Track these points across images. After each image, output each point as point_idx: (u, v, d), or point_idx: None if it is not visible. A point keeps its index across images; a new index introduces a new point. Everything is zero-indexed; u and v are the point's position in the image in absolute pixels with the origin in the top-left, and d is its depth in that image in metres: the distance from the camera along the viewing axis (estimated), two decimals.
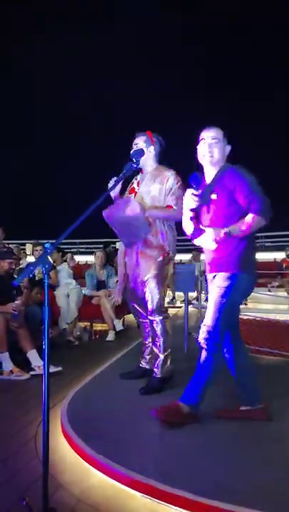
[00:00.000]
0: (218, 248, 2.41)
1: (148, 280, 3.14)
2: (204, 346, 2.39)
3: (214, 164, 2.51)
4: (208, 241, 2.39)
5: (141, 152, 2.87)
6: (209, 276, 2.57)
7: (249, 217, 2.32)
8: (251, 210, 2.32)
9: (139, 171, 3.28)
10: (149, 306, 3.15)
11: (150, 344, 3.36)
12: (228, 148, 2.55)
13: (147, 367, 3.38)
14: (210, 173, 2.55)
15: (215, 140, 2.49)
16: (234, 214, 2.40)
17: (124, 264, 3.46)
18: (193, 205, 2.50)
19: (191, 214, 2.55)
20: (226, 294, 2.40)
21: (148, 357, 3.40)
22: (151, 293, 3.14)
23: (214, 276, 2.50)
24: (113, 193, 3.14)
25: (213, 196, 2.44)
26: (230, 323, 2.47)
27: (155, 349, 3.16)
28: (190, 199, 2.50)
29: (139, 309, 3.41)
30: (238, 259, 2.41)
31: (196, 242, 2.50)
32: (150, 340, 3.36)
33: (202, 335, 2.41)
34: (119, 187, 3.10)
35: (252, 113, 16.46)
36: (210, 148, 2.49)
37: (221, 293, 2.40)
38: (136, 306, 3.43)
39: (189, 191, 2.49)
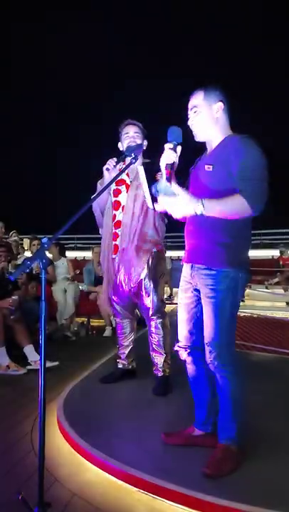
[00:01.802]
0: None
1: (145, 279, 3.03)
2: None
3: (206, 135, 2.09)
4: (178, 208, 1.89)
5: (141, 147, 2.82)
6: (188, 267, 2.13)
7: (235, 198, 1.85)
8: (241, 191, 1.86)
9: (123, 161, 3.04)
10: (150, 307, 3.06)
11: (129, 345, 3.27)
12: (217, 106, 2.02)
13: (129, 367, 3.29)
14: (209, 144, 2.12)
15: (194, 109, 2.05)
16: (228, 190, 1.91)
17: (108, 266, 3.17)
18: (169, 161, 1.96)
19: (165, 172, 1.96)
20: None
21: (127, 359, 3.28)
22: (149, 293, 3.03)
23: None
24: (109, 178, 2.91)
25: (209, 168, 1.99)
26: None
27: (157, 349, 3.08)
28: (166, 154, 1.97)
29: (120, 310, 3.25)
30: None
31: (162, 201, 1.96)
32: (127, 342, 3.27)
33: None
34: (115, 173, 2.89)
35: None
36: (190, 122, 2.08)
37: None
38: (117, 306, 3.25)
39: (166, 146, 1.98)
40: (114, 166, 2.91)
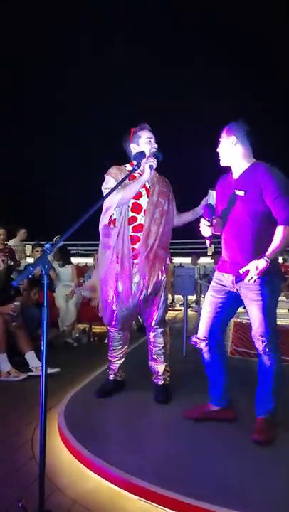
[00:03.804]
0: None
1: (159, 287, 2.99)
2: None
3: (231, 162, 2.48)
4: (253, 274, 2.22)
5: (144, 155, 2.70)
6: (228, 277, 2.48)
7: (279, 231, 2.25)
8: (279, 218, 2.26)
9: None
10: (156, 316, 3.01)
11: (122, 358, 3.15)
12: (231, 139, 2.42)
13: (121, 379, 3.19)
14: (235, 170, 2.49)
15: (220, 139, 2.49)
16: (262, 212, 2.33)
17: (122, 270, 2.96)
18: (209, 234, 2.51)
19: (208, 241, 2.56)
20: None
21: (119, 370, 3.17)
22: (158, 303, 3.00)
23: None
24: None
25: (241, 193, 2.38)
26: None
27: (158, 358, 3.05)
28: (203, 229, 2.50)
29: (121, 319, 3.05)
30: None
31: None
32: (121, 354, 3.14)
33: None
34: None
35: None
36: (220, 150, 2.50)
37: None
38: (119, 315, 3.03)
39: (202, 222, 2.50)
40: (152, 167, 2.80)
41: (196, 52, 18.26)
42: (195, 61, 18.50)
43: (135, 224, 2.97)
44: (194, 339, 2.60)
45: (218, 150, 2.51)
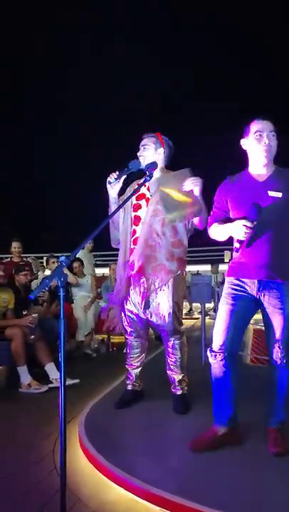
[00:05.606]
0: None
1: (168, 299, 2.89)
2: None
3: (270, 161, 2.33)
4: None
5: (155, 165, 2.65)
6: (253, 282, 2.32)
7: None
8: None
9: (142, 174, 2.88)
10: (169, 328, 2.94)
11: (140, 366, 3.15)
12: (276, 141, 2.35)
13: (139, 389, 3.17)
14: (260, 171, 2.35)
15: (272, 133, 2.31)
16: None
17: (122, 284, 3.02)
18: (243, 238, 2.21)
19: (238, 245, 2.28)
20: None
21: (137, 380, 3.16)
22: (171, 313, 2.90)
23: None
24: (114, 193, 2.95)
25: (278, 194, 2.24)
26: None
27: (175, 369, 3.02)
28: (242, 230, 2.19)
29: (133, 329, 3.10)
30: None
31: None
32: (138, 362, 3.14)
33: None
34: (118, 187, 2.94)
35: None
36: (271, 143, 2.30)
37: None
38: (131, 325, 3.09)
39: (242, 222, 2.18)
40: (116, 179, 2.83)
41: (196, 52, 18.30)
42: (195, 61, 18.52)
43: (135, 237, 2.96)
44: (209, 352, 2.39)
45: (270, 143, 2.29)
